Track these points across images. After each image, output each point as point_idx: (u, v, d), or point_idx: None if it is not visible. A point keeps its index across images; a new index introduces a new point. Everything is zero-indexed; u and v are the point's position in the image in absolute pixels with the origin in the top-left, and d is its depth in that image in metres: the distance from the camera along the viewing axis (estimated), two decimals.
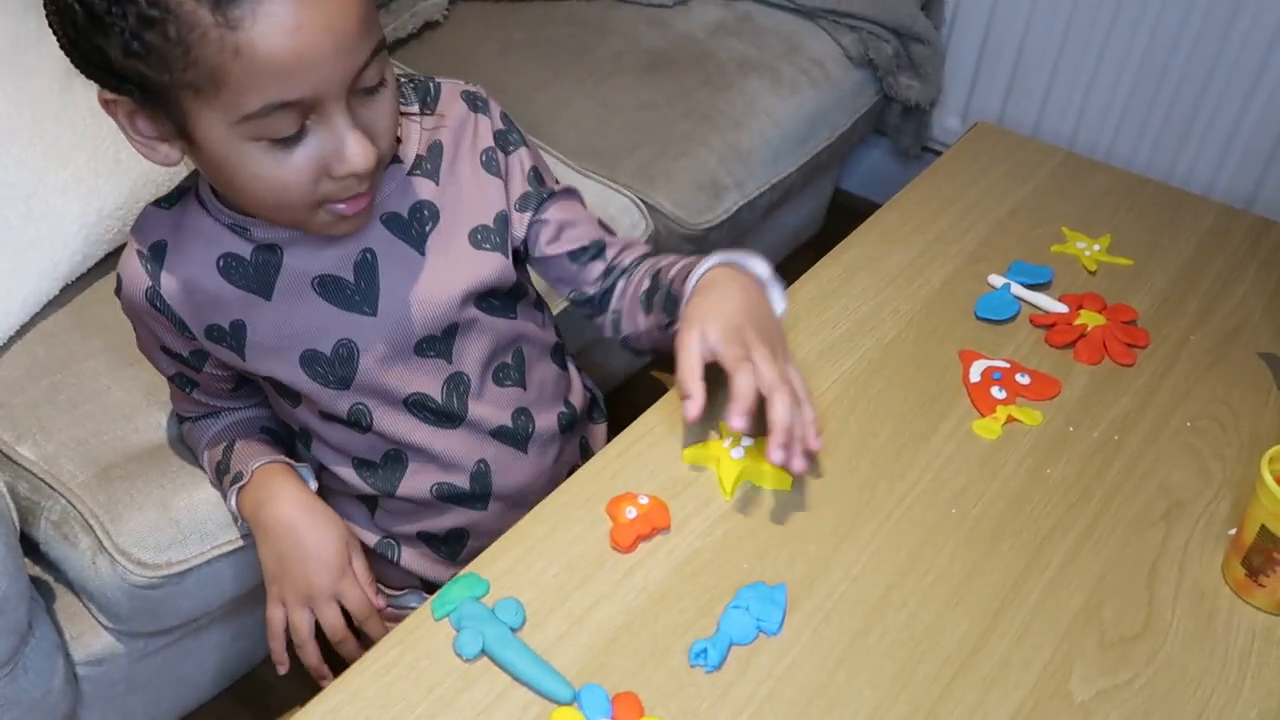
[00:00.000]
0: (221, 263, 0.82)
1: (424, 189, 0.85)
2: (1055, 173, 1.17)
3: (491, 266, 0.86)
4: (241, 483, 0.91)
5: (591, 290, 0.93)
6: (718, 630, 0.72)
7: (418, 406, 0.88)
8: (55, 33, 0.71)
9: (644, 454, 0.84)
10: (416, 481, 0.91)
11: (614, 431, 0.88)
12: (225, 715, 1.27)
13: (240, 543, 1.02)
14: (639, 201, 1.40)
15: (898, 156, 1.98)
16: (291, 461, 0.93)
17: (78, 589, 1.04)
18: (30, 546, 1.02)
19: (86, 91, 1.24)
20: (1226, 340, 0.97)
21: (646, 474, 0.82)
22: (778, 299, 0.86)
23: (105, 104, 0.73)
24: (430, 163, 0.85)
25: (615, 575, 0.75)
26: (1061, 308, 0.98)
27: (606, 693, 0.68)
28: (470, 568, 0.75)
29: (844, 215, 1.90)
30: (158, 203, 0.85)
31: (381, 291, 0.84)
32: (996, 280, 1.01)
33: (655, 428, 0.86)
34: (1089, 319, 0.97)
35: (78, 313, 1.16)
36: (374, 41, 0.71)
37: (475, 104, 0.88)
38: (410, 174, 0.84)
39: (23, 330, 1.13)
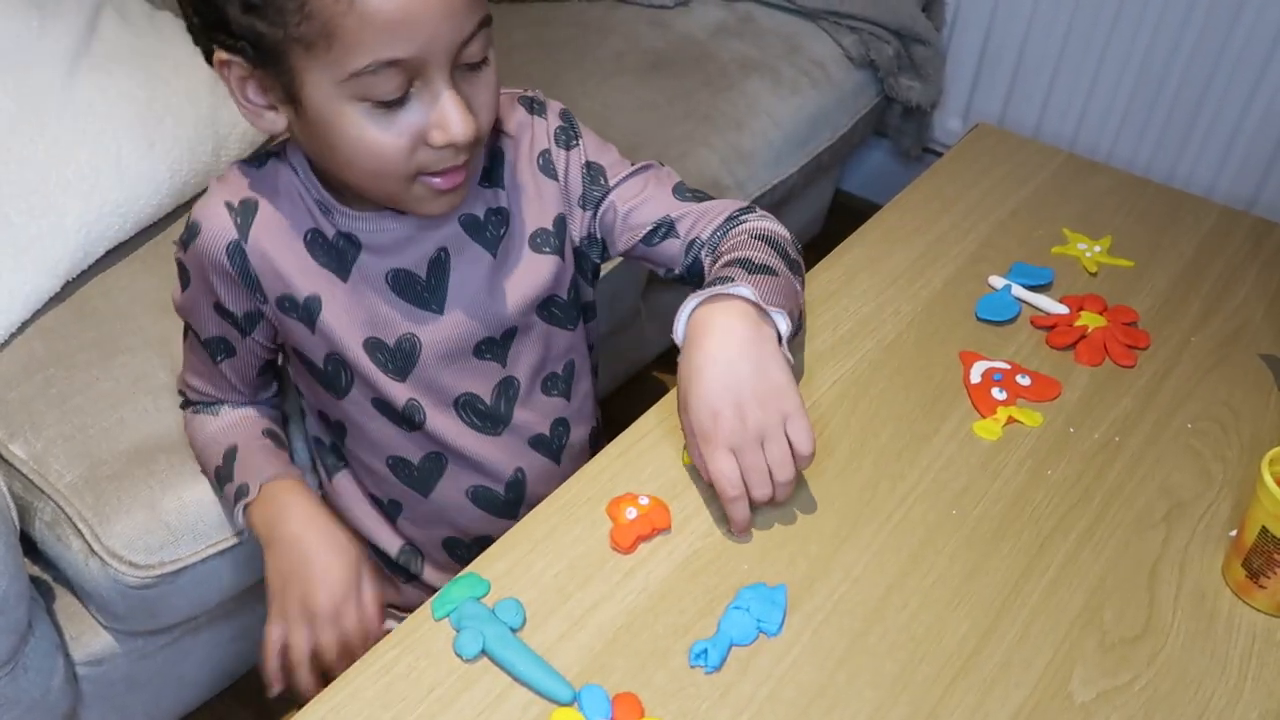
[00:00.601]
0: (309, 235, 0.83)
1: (494, 196, 0.86)
2: (1056, 174, 1.17)
3: (549, 269, 0.88)
4: (248, 498, 0.90)
5: (679, 269, 0.91)
6: (718, 631, 0.72)
7: (467, 408, 0.89)
8: (183, 7, 0.74)
9: (644, 455, 0.84)
10: (452, 485, 0.92)
11: (614, 432, 0.88)
12: (225, 715, 1.27)
13: (234, 540, 1.02)
14: None
15: (899, 157, 1.98)
16: (299, 473, 0.93)
17: (75, 588, 1.04)
18: (29, 545, 1.02)
19: (88, 88, 1.25)
20: (1227, 342, 0.97)
21: (647, 475, 0.82)
22: (781, 323, 0.79)
23: (219, 65, 0.74)
24: (495, 171, 0.86)
25: (615, 576, 0.75)
26: (1062, 309, 0.98)
27: (607, 693, 0.67)
28: (471, 568, 0.75)
29: (845, 216, 1.90)
30: (245, 163, 0.85)
31: (450, 291, 0.85)
32: (997, 281, 1.01)
33: (655, 428, 0.86)
34: (1090, 320, 0.97)
35: (77, 307, 1.16)
36: (481, 14, 0.73)
37: (532, 107, 0.89)
38: (480, 185, 0.85)
39: (23, 325, 1.13)
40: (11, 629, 0.92)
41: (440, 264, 0.85)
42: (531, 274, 0.87)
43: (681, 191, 0.91)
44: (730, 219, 0.89)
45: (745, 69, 1.63)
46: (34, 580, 1.02)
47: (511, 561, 0.75)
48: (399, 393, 0.87)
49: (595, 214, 0.90)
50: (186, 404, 0.99)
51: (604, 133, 0.93)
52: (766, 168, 1.57)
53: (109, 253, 1.20)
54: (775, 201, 1.62)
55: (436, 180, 0.77)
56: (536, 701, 0.68)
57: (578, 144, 0.89)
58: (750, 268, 0.82)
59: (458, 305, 0.85)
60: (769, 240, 0.86)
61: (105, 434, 1.05)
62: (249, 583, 1.07)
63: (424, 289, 0.85)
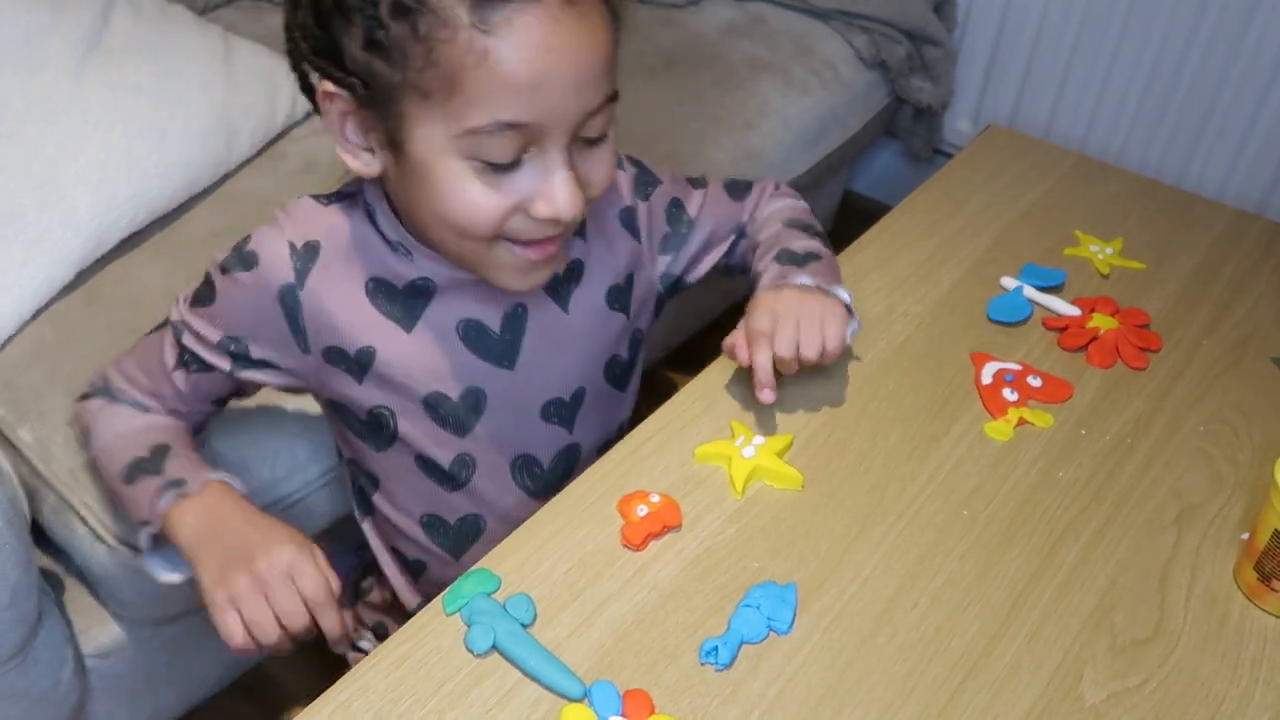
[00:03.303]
0: (371, 285, 0.79)
1: (573, 247, 0.84)
2: (1067, 176, 1.17)
3: (616, 327, 0.87)
4: (184, 490, 0.80)
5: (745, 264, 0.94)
6: (728, 629, 0.72)
7: (522, 470, 0.86)
8: (287, 15, 0.71)
9: (655, 452, 0.84)
10: (486, 550, 0.82)
11: (624, 429, 0.88)
12: (231, 710, 1.27)
13: None
14: None
15: (909, 158, 1.98)
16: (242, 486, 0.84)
17: (84, 575, 1.05)
18: (38, 534, 1.03)
19: (100, 81, 1.25)
20: (1239, 345, 0.97)
21: (658, 472, 0.82)
22: (844, 294, 0.86)
23: (324, 96, 0.71)
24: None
25: (626, 573, 0.75)
26: (1074, 311, 0.98)
27: (617, 689, 0.68)
28: (482, 563, 0.75)
29: (855, 217, 1.90)
30: (316, 197, 0.80)
31: (524, 347, 0.82)
32: (1009, 283, 1.01)
33: (666, 426, 0.86)
34: (1101, 322, 0.96)
35: (87, 295, 1.17)
36: (610, 89, 0.70)
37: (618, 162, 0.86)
38: None
39: (35, 313, 1.13)
40: (22, 621, 0.92)
41: (516, 319, 0.82)
42: (602, 331, 0.86)
43: (734, 189, 0.94)
44: (771, 210, 0.94)
45: (756, 69, 1.63)
46: (44, 572, 1.02)
47: (523, 557, 0.76)
48: (449, 450, 0.84)
49: (679, 253, 0.90)
50: (100, 392, 0.88)
51: None
52: (776, 168, 1.56)
53: (121, 243, 1.20)
54: None
55: (522, 250, 0.73)
56: (547, 697, 0.68)
57: (654, 188, 0.89)
58: (797, 259, 0.87)
59: (530, 361, 0.82)
60: (805, 226, 0.92)
61: None
62: None
63: (495, 343, 0.82)
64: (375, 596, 1.02)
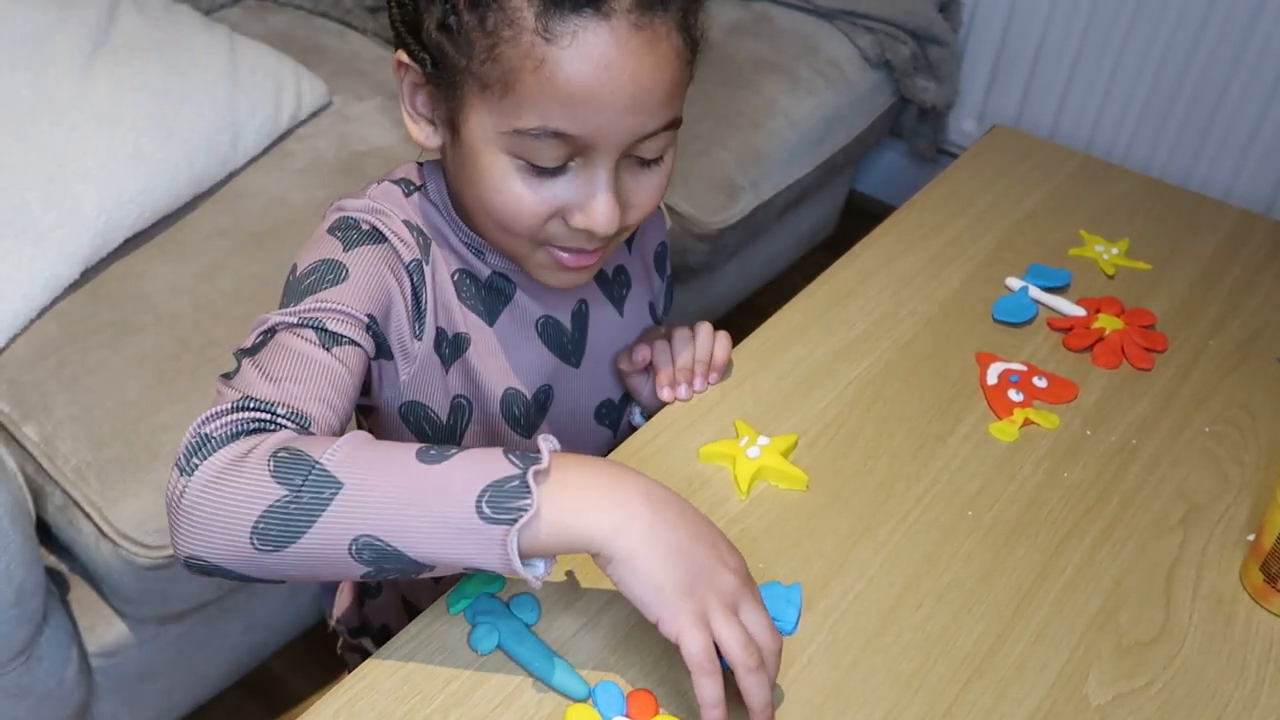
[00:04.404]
0: (456, 276, 0.78)
1: (620, 254, 0.86)
2: (1073, 176, 1.17)
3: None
4: (541, 466, 0.60)
5: None
6: None
7: None
8: None
9: (660, 452, 0.84)
10: None
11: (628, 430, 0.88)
12: (236, 708, 1.27)
13: None
14: None
15: (914, 158, 1.98)
16: None
17: (89, 573, 1.05)
18: (43, 532, 1.03)
19: (106, 78, 1.26)
20: (1245, 345, 0.97)
21: (663, 472, 0.82)
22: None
23: (397, 64, 0.73)
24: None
25: None
26: (1079, 311, 0.98)
27: (621, 689, 0.67)
28: None
29: (859, 217, 1.90)
30: (397, 184, 0.79)
31: (589, 344, 0.84)
32: (1014, 283, 1.01)
33: (671, 425, 0.86)
34: (1107, 323, 0.96)
35: (93, 292, 1.17)
36: (670, 115, 0.70)
37: None
38: None
39: (41, 310, 1.14)
40: (27, 619, 0.93)
41: (582, 316, 0.83)
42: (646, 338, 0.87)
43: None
44: None
45: (761, 69, 1.63)
46: (49, 571, 1.02)
47: None
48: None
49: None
50: (268, 424, 0.63)
51: None
52: (781, 168, 1.57)
53: (126, 241, 1.20)
54: (790, 201, 1.62)
55: (563, 255, 0.73)
56: (551, 697, 0.68)
57: (667, 258, 0.92)
58: None
59: (592, 361, 0.83)
60: None
61: (109, 414, 1.05)
62: None
63: (568, 340, 0.82)
64: (384, 598, 1.02)
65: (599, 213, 0.70)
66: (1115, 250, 1.06)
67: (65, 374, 1.08)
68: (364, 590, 1.02)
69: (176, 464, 0.60)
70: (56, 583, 1.05)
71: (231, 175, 1.32)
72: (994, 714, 0.69)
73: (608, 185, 0.69)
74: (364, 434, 0.64)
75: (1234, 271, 1.05)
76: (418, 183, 0.80)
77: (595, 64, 0.64)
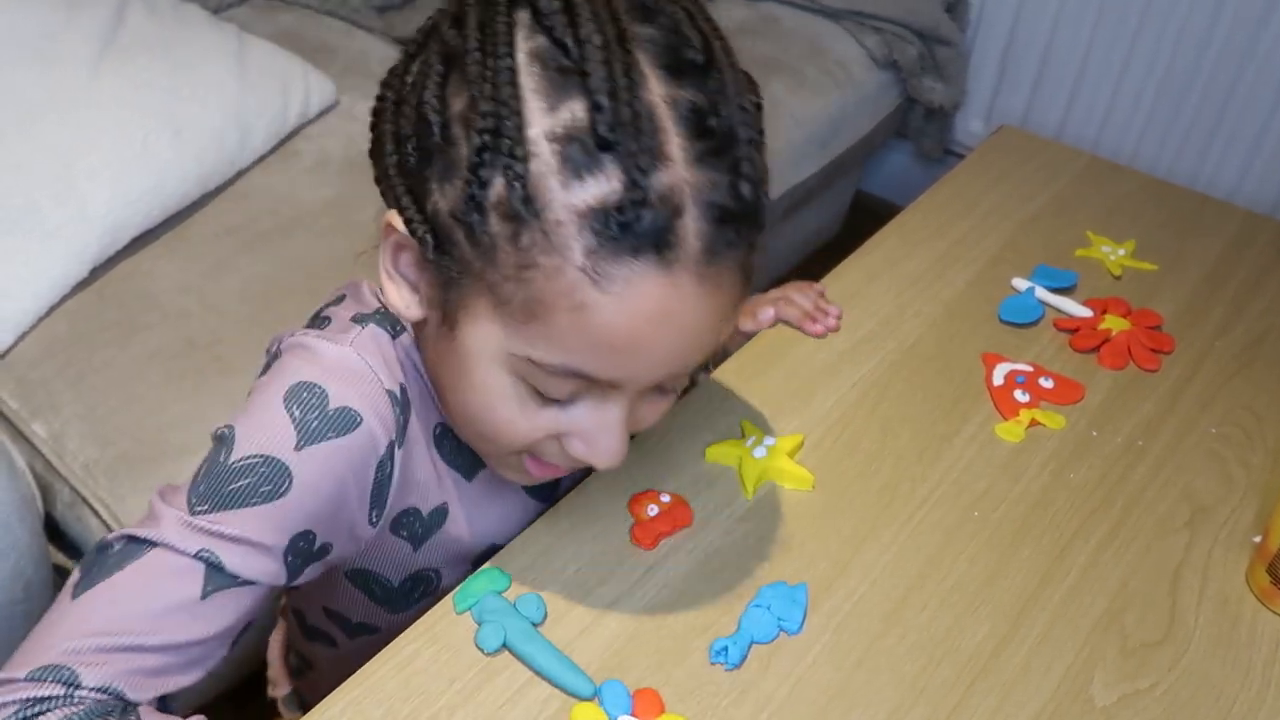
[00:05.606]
0: (438, 430, 0.68)
1: None
2: (1080, 176, 1.17)
3: None
4: None
5: None
6: (738, 628, 0.72)
7: None
8: (378, 126, 0.61)
9: (666, 452, 0.84)
10: None
11: None
12: (239, 707, 1.27)
13: None
14: None
15: (920, 159, 1.98)
16: None
17: None
18: (52, 529, 1.03)
19: (114, 77, 1.26)
20: (1252, 346, 0.97)
21: (668, 472, 0.82)
22: None
23: (385, 226, 0.60)
24: None
25: (636, 572, 0.75)
26: (1086, 312, 0.98)
27: (627, 688, 0.68)
28: (492, 562, 0.75)
29: (865, 217, 1.90)
30: (383, 325, 0.66)
31: (565, 480, 0.77)
32: (1020, 283, 1.01)
33: (677, 426, 0.86)
34: (1113, 324, 0.96)
35: (100, 290, 1.17)
36: (706, 357, 0.60)
37: None
38: None
39: (50, 309, 1.14)
40: (35, 616, 0.93)
41: None
42: None
43: None
44: None
45: (768, 69, 1.63)
46: (57, 568, 1.02)
47: (533, 556, 0.76)
48: None
49: None
50: (56, 702, 0.55)
51: None
52: (788, 168, 1.57)
53: (134, 239, 1.21)
54: (796, 201, 1.62)
55: (535, 467, 0.66)
56: (557, 696, 0.68)
57: None
58: None
59: (567, 486, 0.77)
60: None
61: (118, 412, 1.06)
62: None
63: (544, 485, 0.74)
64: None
65: (605, 450, 0.62)
66: (1122, 251, 1.05)
67: (73, 372, 1.09)
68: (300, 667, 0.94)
69: None
70: (65, 580, 1.05)
71: (239, 174, 1.33)
72: (998, 715, 0.69)
73: (620, 421, 0.61)
74: None
75: (1241, 273, 1.05)
76: (395, 320, 0.67)
77: (646, 318, 0.55)
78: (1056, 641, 0.73)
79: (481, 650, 0.70)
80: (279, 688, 0.82)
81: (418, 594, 0.75)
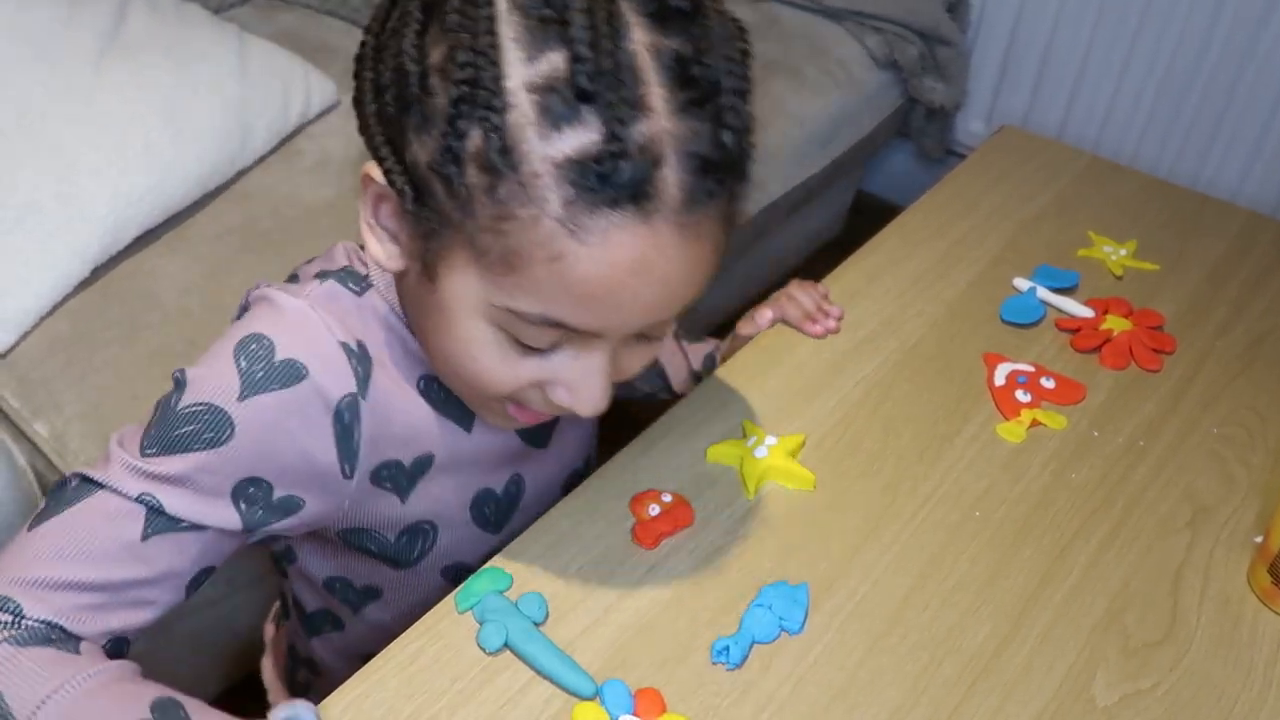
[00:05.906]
0: (422, 383, 0.68)
1: None
2: (1081, 176, 1.17)
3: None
4: None
5: None
6: (740, 628, 0.72)
7: None
8: (360, 74, 0.61)
9: (667, 452, 0.84)
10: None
11: (637, 429, 0.88)
12: (240, 707, 1.27)
13: None
14: None
15: (921, 159, 1.98)
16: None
17: None
18: None
19: (117, 77, 1.26)
20: (1253, 346, 0.97)
21: (670, 471, 0.82)
22: None
23: (365, 178, 0.61)
24: None
25: (638, 572, 0.75)
26: (1087, 312, 0.98)
27: (628, 688, 0.68)
28: (494, 562, 0.75)
29: (866, 217, 1.90)
30: (344, 283, 0.67)
31: (558, 422, 0.77)
32: (1022, 283, 1.01)
33: (679, 425, 0.86)
34: (1115, 324, 0.96)
35: (102, 289, 1.18)
36: (691, 300, 0.60)
37: None
38: None
39: (52, 308, 1.14)
40: None
41: None
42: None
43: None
44: None
45: (769, 69, 1.63)
46: None
47: (534, 556, 0.76)
48: (483, 548, 0.76)
49: None
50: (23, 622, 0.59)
51: None
52: (789, 168, 1.57)
53: (136, 238, 1.21)
54: (797, 201, 1.62)
55: (519, 413, 0.66)
56: (558, 695, 0.68)
57: None
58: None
59: (560, 438, 0.77)
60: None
61: (120, 411, 1.06)
62: (263, 553, 1.07)
63: (538, 425, 0.73)
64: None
65: (588, 398, 0.62)
66: (1123, 251, 1.05)
67: (75, 371, 1.09)
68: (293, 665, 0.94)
69: None
70: None
71: (241, 174, 1.33)
72: (1000, 715, 0.69)
73: (603, 369, 0.61)
74: (116, 671, 0.59)
75: (1242, 273, 1.05)
76: (363, 272, 0.68)
77: (624, 268, 0.55)
78: (1058, 641, 0.73)
79: (483, 650, 0.70)
80: (280, 710, 0.81)
81: (416, 550, 0.75)
